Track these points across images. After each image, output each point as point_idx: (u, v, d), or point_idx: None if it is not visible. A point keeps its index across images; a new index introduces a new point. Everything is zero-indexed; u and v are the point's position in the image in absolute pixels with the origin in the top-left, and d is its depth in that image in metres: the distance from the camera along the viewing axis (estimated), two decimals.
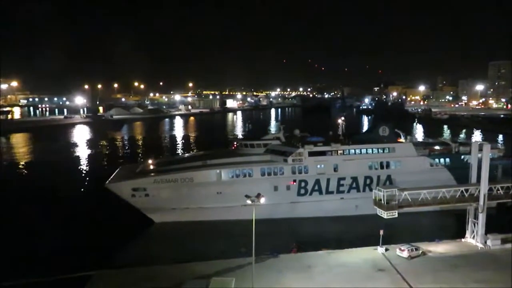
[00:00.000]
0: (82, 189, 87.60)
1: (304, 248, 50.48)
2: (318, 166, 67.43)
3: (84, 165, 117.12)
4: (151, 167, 70.75)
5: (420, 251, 47.35)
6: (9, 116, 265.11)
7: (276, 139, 72.93)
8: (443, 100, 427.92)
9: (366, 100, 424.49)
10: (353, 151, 69.11)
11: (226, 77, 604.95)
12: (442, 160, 71.05)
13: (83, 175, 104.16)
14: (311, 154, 67.45)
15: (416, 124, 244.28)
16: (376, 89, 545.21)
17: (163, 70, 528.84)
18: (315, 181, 66.97)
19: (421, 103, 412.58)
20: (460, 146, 74.14)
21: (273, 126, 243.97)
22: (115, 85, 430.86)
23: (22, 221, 61.96)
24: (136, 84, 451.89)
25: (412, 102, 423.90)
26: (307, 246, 51.28)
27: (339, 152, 68.54)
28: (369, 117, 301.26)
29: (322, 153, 68.14)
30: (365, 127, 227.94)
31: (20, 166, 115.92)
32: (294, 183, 66.28)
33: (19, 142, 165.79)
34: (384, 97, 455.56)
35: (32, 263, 48.55)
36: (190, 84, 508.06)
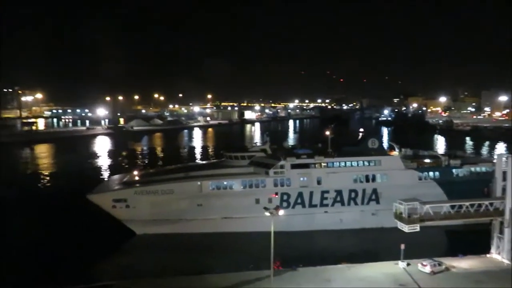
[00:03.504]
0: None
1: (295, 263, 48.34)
2: (301, 178, 66.38)
3: (101, 175, 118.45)
4: (136, 178, 71.20)
5: (444, 267, 45.98)
6: (34, 127, 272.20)
7: (262, 151, 72.44)
8: (465, 111, 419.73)
9: (386, 112, 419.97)
10: (337, 163, 67.91)
11: (244, 88, 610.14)
12: (431, 173, 69.11)
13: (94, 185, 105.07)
14: (294, 166, 66.54)
15: (437, 135, 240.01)
16: (395, 100, 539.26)
17: (182, 82, 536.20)
18: (298, 194, 65.88)
19: (442, 114, 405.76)
20: (450, 159, 72.12)
21: (291, 137, 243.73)
22: (136, 97, 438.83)
23: (15, 228, 63.72)
24: (156, 96, 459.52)
25: (433, 114, 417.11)
26: (292, 261, 49.17)
27: (322, 164, 67.42)
28: (389, 129, 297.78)
29: (305, 166, 67.08)
30: (385, 139, 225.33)
31: (40, 175, 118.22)
32: (276, 196, 65.00)
33: (42, 152, 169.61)
34: (404, 108, 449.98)
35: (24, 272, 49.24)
36: (209, 96, 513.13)
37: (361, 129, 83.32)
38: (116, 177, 77.63)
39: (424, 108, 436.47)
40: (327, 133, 76.75)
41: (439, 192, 65.67)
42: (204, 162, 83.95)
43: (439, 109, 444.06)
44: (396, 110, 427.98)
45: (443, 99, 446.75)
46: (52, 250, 55.71)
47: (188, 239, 61.33)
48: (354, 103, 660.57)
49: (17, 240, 59.59)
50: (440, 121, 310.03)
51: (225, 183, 65.40)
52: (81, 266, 50.90)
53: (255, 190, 65.14)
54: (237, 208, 63.55)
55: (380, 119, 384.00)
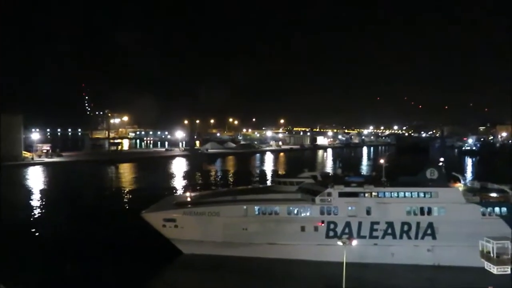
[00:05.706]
0: None
1: None
2: (349, 207, 63.07)
3: (172, 194, 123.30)
4: (188, 199, 73.59)
5: None
6: (119, 147, 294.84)
7: (312, 178, 70.84)
8: None
9: (470, 141, 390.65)
10: (388, 194, 63.57)
11: (317, 113, 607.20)
12: (497, 209, 61.52)
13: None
14: (341, 194, 63.60)
15: None
16: (481, 128, 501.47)
17: (256, 106, 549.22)
18: (345, 224, 62.54)
19: None
20: None
21: (364, 164, 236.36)
22: (212, 121, 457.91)
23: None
24: (230, 120, 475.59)
25: None
26: None
27: (373, 194, 63.53)
28: (473, 159, 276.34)
29: (354, 194, 63.84)
30: (469, 170, 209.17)
31: (117, 192, 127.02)
32: (323, 224, 62.60)
33: (125, 171, 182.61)
34: (491, 137, 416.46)
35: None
36: (282, 121, 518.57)
37: (441, 159, 77.89)
38: (171, 197, 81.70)
39: None
40: (381, 161, 73.64)
41: (506, 231, 57.57)
42: (253, 186, 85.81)
43: None
44: (482, 139, 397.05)
45: None
46: (98, 262, 58.90)
47: (234, 262, 61.85)
48: (434, 131, 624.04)
49: (68, 250, 64.53)
50: None
51: (270, 208, 64.89)
52: (126, 281, 53.12)
53: (300, 217, 63.83)
54: (282, 235, 63.03)
55: (463, 148, 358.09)
